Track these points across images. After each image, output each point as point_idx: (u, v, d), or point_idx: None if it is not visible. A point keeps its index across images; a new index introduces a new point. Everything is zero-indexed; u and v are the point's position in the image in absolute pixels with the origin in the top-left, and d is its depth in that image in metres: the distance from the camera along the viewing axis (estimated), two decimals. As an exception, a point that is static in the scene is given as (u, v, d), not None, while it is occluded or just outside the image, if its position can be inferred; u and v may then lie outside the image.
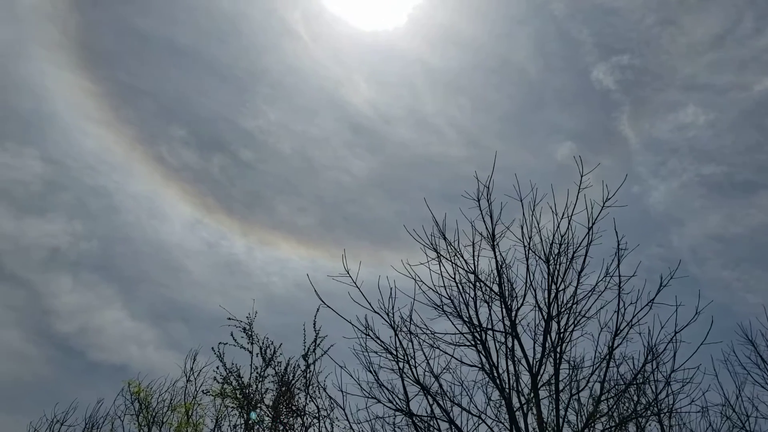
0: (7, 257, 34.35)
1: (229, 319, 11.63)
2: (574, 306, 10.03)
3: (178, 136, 38.76)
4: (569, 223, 10.21)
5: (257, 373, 11.50)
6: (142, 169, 36.34)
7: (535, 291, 10.21)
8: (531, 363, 9.93)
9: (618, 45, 40.10)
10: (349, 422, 10.19)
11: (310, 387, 11.18)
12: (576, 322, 9.97)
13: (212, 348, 11.47)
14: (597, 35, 40.40)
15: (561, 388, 9.79)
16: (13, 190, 36.05)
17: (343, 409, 10.21)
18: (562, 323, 10.01)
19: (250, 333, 11.65)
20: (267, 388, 11.48)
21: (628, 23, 39.58)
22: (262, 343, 11.66)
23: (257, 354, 11.64)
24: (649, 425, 11.79)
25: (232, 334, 11.61)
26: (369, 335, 10.17)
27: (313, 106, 42.33)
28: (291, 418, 11.12)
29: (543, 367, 9.87)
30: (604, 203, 10.03)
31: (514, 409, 9.64)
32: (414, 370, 10.05)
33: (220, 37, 41.16)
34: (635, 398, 11.49)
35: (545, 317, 10.03)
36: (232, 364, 11.56)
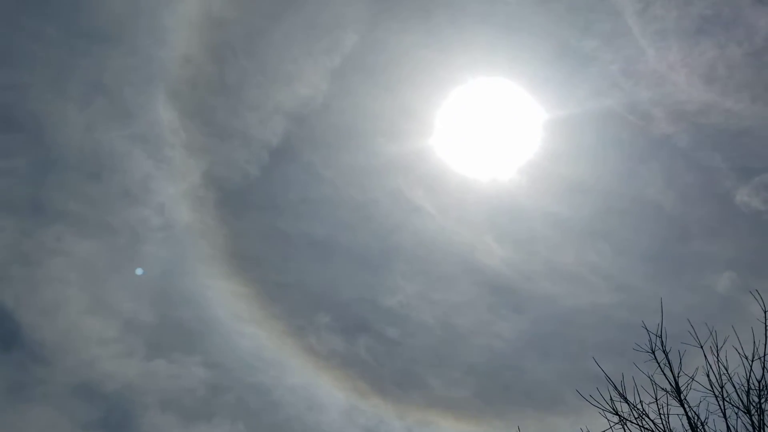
0: (178, 469, 35.42)
1: None
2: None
3: (323, 323, 39.90)
4: (763, 365, 9.26)
5: None
6: (295, 361, 37.40)
7: (741, 446, 9.12)
8: None
9: (757, 164, 38.27)
10: None
11: None
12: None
13: None
14: (731, 159, 38.83)
15: None
16: (181, 399, 37.93)
17: None
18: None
19: None
20: None
21: (762, 141, 38.01)
22: None
23: None
24: None
25: None
26: None
27: (450, 273, 42.61)
28: None
29: None
30: (799, 337, 9.11)
31: None
32: None
33: (352, 224, 43.34)
34: None
35: (763, 476, 8.84)
36: None
